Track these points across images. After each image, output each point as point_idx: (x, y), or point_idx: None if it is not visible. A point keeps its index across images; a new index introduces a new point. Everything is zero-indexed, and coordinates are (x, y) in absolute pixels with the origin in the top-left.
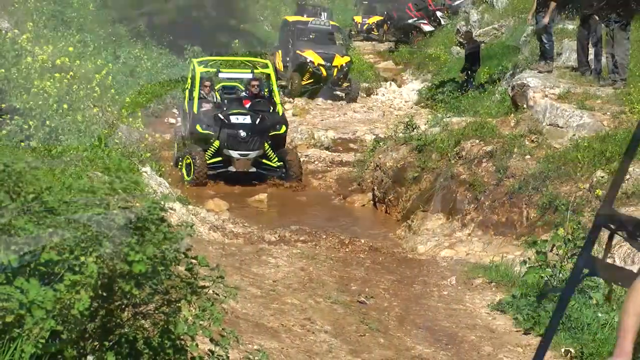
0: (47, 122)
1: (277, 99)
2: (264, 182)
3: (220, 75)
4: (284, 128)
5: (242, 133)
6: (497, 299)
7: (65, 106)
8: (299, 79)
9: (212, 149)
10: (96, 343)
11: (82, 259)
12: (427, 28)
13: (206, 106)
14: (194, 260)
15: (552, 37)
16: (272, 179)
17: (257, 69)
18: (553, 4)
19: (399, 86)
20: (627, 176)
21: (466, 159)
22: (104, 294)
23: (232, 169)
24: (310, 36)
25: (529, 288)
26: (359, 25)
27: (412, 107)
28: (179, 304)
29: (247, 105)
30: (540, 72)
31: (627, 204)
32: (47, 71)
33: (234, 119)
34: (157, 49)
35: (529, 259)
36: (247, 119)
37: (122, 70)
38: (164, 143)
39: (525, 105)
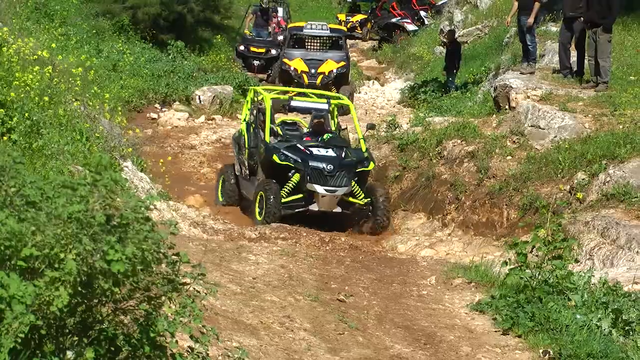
0: (28, 115)
1: (360, 133)
2: (345, 230)
3: (293, 103)
4: (372, 165)
5: (329, 166)
6: (477, 299)
7: (46, 99)
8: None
9: (290, 185)
10: (75, 338)
11: (62, 255)
12: (411, 27)
13: (271, 140)
14: (175, 257)
15: (535, 39)
16: (351, 229)
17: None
18: (538, 5)
19: (382, 85)
20: (608, 178)
21: (448, 158)
22: (84, 291)
23: (314, 207)
24: (307, 42)
25: (508, 288)
26: (343, 23)
27: (394, 106)
28: (160, 301)
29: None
30: (522, 73)
31: (607, 206)
32: (29, 64)
33: (315, 151)
34: (140, 43)
35: (509, 259)
36: (331, 152)
37: (104, 64)
38: (146, 138)
39: (507, 106)
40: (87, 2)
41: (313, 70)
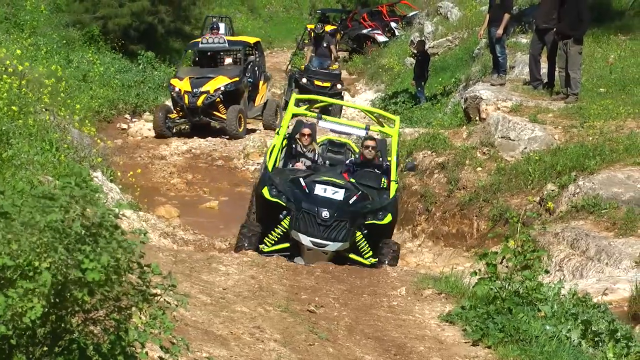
0: None
1: (394, 172)
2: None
3: (322, 124)
4: (388, 218)
5: (325, 213)
6: (447, 310)
7: (15, 109)
8: (164, 113)
9: (278, 231)
10: (46, 348)
11: (36, 264)
12: (381, 39)
13: (298, 165)
14: (146, 268)
15: (506, 50)
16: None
17: (381, 125)
18: (507, 17)
19: (353, 96)
20: (577, 190)
21: (418, 169)
22: (56, 300)
23: (299, 261)
24: (206, 58)
25: (478, 300)
26: (313, 33)
27: (365, 117)
28: (130, 311)
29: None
30: (493, 84)
31: (576, 218)
32: None
33: (319, 190)
34: (110, 53)
35: (479, 270)
36: (339, 195)
37: (74, 75)
38: (116, 148)
39: (477, 118)
40: (57, 12)
41: (196, 90)
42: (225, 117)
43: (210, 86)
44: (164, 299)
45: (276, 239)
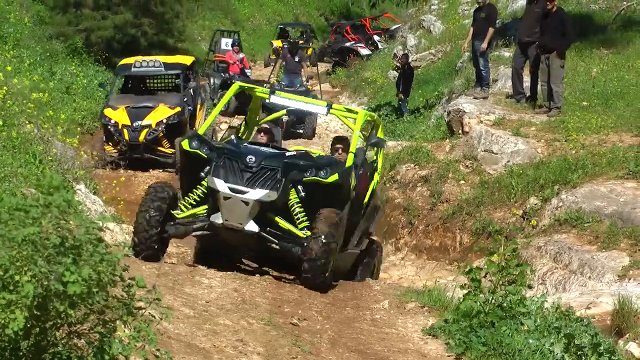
0: None
1: (353, 145)
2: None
3: (274, 99)
4: (334, 177)
5: (250, 157)
6: (430, 323)
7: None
8: (101, 146)
9: (198, 192)
10: None
11: (17, 277)
12: (365, 51)
13: None
14: (130, 281)
15: (489, 64)
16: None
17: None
18: (492, 31)
19: None
20: (560, 203)
21: (401, 183)
22: (39, 313)
23: (216, 219)
24: (139, 84)
25: (461, 313)
26: (280, 49)
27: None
28: (114, 324)
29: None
30: (476, 98)
31: (559, 231)
32: None
33: (251, 146)
34: (94, 66)
35: (464, 284)
36: (274, 150)
37: (57, 87)
38: (99, 161)
39: (460, 131)
40: (40, 25)
41: (136, 124)
42: (169, 152)
43: (152, 119)
44: (148, 312)
45: (194, 202)
